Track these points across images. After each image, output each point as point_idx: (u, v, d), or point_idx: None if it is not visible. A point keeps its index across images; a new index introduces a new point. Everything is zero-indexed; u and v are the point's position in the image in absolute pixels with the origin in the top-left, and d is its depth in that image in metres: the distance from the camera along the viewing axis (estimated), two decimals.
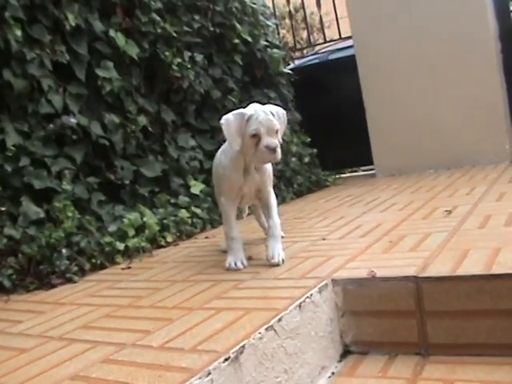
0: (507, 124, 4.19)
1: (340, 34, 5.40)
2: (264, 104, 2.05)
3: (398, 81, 4.44)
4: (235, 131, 1.95)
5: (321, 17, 5.54)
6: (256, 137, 1.93)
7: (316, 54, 5.87)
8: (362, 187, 3.95)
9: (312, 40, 6.41)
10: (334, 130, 5.03)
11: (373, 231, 2.33)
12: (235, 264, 2.07)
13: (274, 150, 1.92)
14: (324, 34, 5.65)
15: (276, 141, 1.94)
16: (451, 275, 1.55)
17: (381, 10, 4.45)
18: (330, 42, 5.76)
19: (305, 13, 5.99)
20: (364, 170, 5.38)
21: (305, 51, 6.45)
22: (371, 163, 4.75)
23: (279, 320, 1.45)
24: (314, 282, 1.70)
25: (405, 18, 4.35)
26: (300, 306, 1.54)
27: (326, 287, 1.68)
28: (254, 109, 1.98)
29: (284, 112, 2.08)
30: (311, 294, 1.60)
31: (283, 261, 2.03)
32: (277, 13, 6.03)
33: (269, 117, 1.95)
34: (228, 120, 1.98)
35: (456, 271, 1.57)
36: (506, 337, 1.48)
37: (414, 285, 1.58)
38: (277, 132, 1.96)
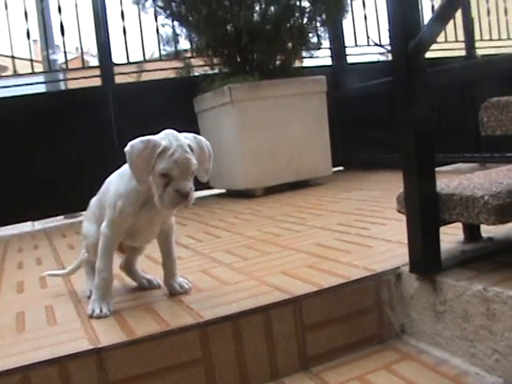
0: None
1: None
2: (180, 131, 1.65)
3: None
4: (142, 165, 1.55)
5: None
6: (166, 177, 1.54)
7: None
8: None
9: None
10: None
11: None
12: (101, 310, 1.64)
13: (185, 195, 1.55)
14: None
15: (191, 184, 1.57)
16: None
17: None
18: None
19: None
20: None
21: None
22: None
23: None
24: None
25: None
26: None
27: None
28: (169, 140, 1.56)
29: (207, 143, 1.69)
30: None
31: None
32: None
33: (186, 155, 1.55)
34: (134, 148, 1.56)
35: None
36: None
37: None
38: (193, 172, 1.59)
